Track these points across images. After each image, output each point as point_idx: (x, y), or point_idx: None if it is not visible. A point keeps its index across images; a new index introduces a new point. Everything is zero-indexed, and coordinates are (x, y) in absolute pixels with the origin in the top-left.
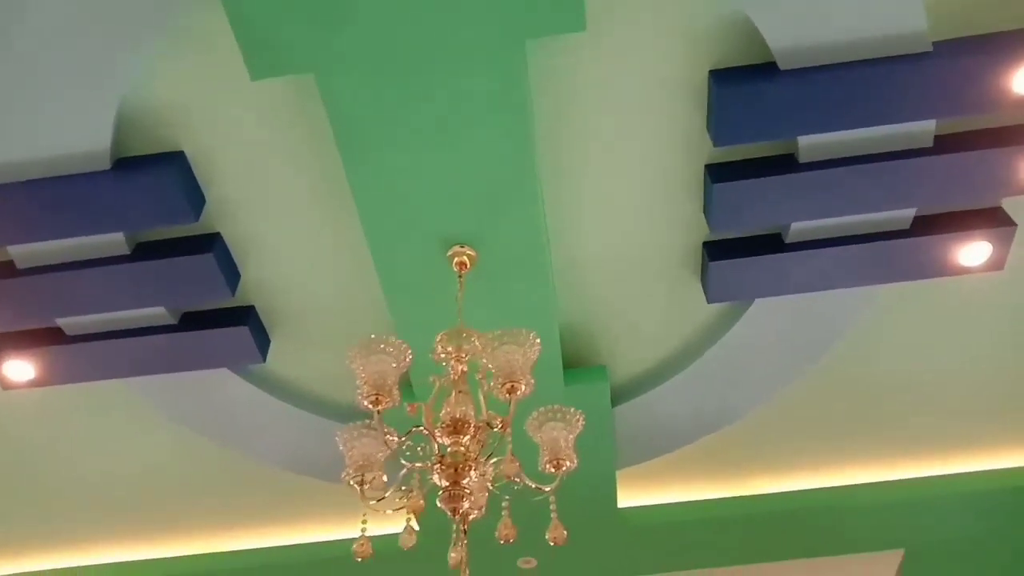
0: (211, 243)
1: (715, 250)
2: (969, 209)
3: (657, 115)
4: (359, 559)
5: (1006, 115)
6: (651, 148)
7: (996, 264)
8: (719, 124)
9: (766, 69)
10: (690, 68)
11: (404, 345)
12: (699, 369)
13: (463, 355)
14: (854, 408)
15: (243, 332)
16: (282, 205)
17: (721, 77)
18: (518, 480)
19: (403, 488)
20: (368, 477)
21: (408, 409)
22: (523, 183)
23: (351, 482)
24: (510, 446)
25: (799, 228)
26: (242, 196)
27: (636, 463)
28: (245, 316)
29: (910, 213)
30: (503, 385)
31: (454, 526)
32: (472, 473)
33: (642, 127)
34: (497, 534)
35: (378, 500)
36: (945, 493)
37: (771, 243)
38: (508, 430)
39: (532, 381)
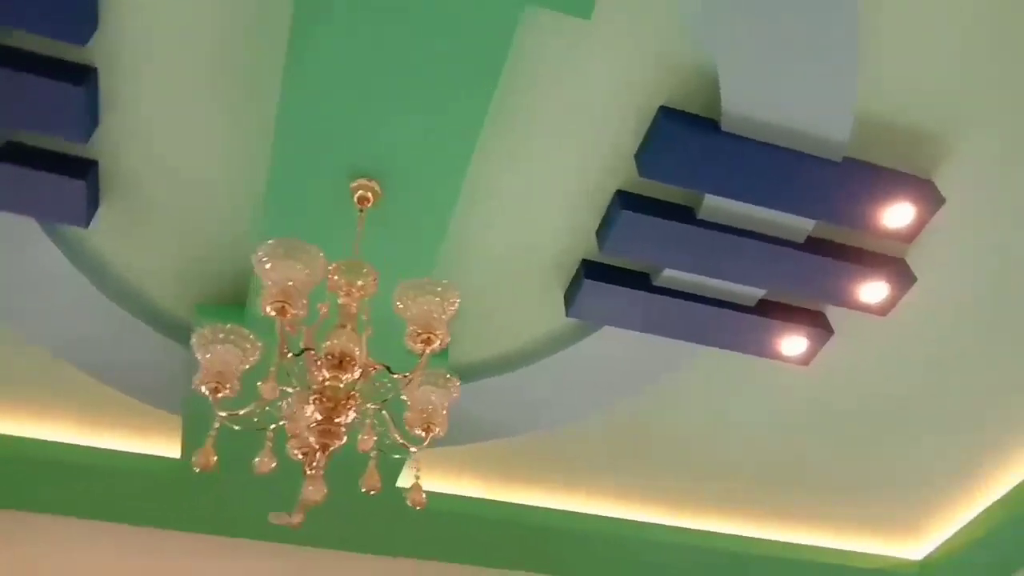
0: (84, 76)
1: (591, 269)
2: (804, 307)
3: (598, 127)
4: (199, 469)
5: (870, 241)
6: (579, 155)
7: (804, 359)
8: (651, 158)
9: (709, 124)
10: (647, 96)
11: (321, 256)
12: (527, 374)
13: (356, 291)
14: (637, 448)
15: (78, 187)
16: (181, 68)
17: (669, 115)
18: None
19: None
20: (224, 387)
21: (289, 328)
22: (461, 145)
23: (204, 389)
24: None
25: (669, 275)
26: (140, 39)
27: (431, 446)
28: (84, 170)
29: (759, 294)
30: (418, 336)
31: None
32: (349, 413)
33: (580, 132)
34: (362, 484)
35: (228, 415)
36: (677, 542)
37: (640, 280)
38: (416, 382)
39: (448, 335)
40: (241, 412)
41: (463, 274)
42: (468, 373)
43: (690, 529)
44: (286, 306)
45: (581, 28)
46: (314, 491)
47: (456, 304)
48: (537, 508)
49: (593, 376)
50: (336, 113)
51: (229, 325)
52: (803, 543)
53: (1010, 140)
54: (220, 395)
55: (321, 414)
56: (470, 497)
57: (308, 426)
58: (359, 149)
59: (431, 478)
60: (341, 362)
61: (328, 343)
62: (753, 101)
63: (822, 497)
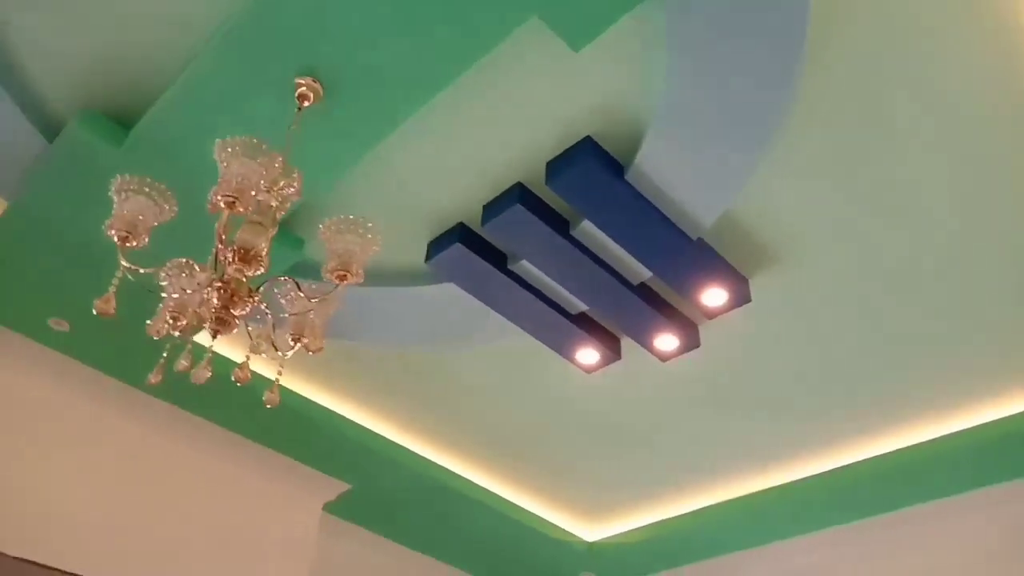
0: None
1: (465, 234)
2: (609, 330)
3: (532, 125)
4: (97, 312)
5: (685, 308)
6: (505, 137)
7: (590, 368)
8: (559, 172)
9: (616, 168)
10: (582, 121)
11: (279, 164)
12: (368, 291)
13: (279, 191)
14: (433, 391)
15: None
16: None
17: (590, 146)
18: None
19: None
20: (133, 239)
21: (210, 206)
22: (417, 80)
23: (113, 235)
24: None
25: (524, 266)
26: None
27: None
28: None
29: (583, 308)
30: (334, 271)
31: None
32: (246, 308)
33: (515, 120)
34: (234, 376)
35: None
36: (431, 475)
37: (498, 259)
38: (331, 306)
39: (362, 275)
40: (143, 270)
41: (361, 188)
42: (315, 271)
43: (448, 469)
44: (236, 202)
45: (561, 47)
46: (185, 365)
47: (377, 247)
48: (332, 411)
49: (423, 318)
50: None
51: (151, 180)
52: (510, 500)
53: (819, 274)
54: (128, 245)
55: (220, 302)
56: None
57: (199, 307)
58: (316, 48)
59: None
60: (248, 256)
61: (239, 235)
62: (660, 171)
63: (546, 473)
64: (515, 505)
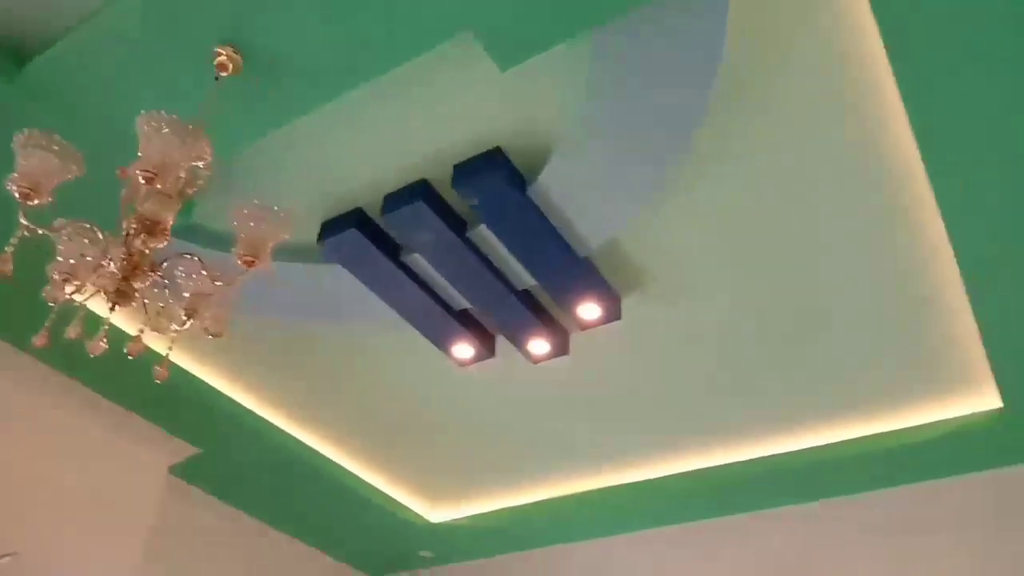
0: None
1: (361, 220)
2: (487, 330)
3: (447, 124)
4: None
5: (561, 317)
6: (418, 134)
7: (464, 363)
8: (464, 176)
9: (519, 181)
10: (495, 131)
11: (207, 146)
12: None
13: (187, 160)
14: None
15: None
16: None
17: (497, 157)
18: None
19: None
20: (36, 196)
21: (119, 171)
22: (358, 68)
23: (15, 190)
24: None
25: (415, 259)
26: None
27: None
28: None
29: (464, 305)
30: (243, 256)
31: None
32: (147, 281)
33: (436, 119)
34: (128, 348)
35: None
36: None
37: (391, 250)
38: (232, 287)
39: (271, 263)
40: (40, 231)
41: (262, 157)
42: (200, 235)
43: (302, 442)
44: (156, 179)
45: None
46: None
47: (289, 235)
48: (187, 371)
49: (304, 295)
50: None
51: (57, 136)
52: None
53: (684, 306)
54: (30, 202)
55: (122, 273)
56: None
57: (94, 274)
58: (241, 18)
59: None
60: (154, 228)
61: (147, 206)
62: (560, 191)
63: (401, 456)
64: (366, 483)
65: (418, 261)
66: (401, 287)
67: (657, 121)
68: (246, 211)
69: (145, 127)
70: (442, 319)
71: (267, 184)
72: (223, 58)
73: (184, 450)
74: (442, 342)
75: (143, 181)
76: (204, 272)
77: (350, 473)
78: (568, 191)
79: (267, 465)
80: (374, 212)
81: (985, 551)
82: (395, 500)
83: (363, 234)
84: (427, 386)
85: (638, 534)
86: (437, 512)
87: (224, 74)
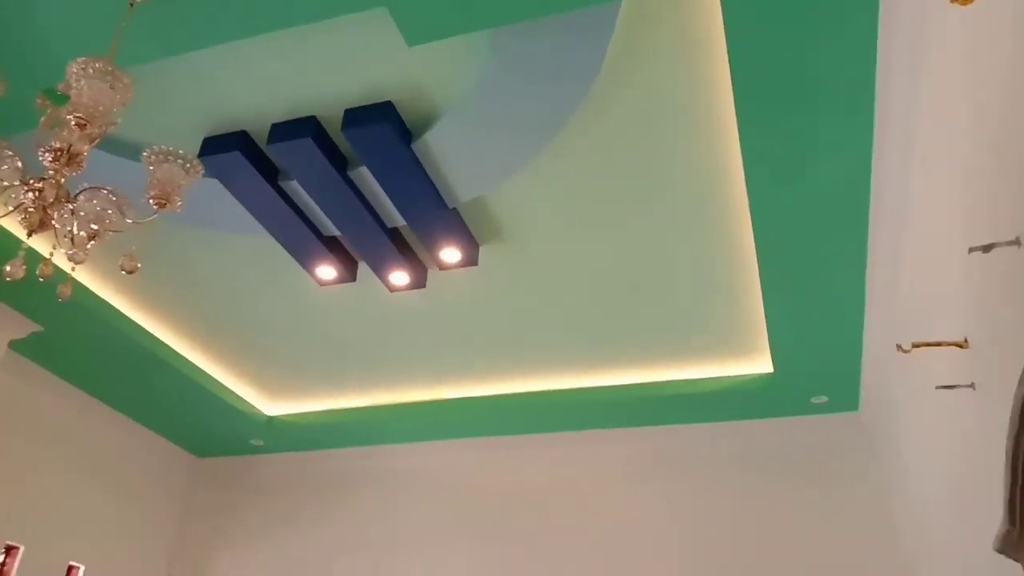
0: None
1: (247, 146)
2: (350, 256)
3: (352, 73)
4: None
5: (423, 257)
6: (322, 71)
7: (322, 283)
8: (357, 124)
9: (407, 134)
10: (397, 84)
11: (128, 82)
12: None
13: (117, 106)
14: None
15: None
16: None
17: (391, 110)
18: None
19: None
20: None
21: (39, 100)
22: (275, 16)
23: None
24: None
25: (293, 186)
26: None
27: None
28: None
29: (335, 233)
30: (155, 196)
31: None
32: (63, 209)
33: (336, 64)
34: (40, 272)
35: None
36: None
37: (270, 174)
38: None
39: (181, 203)
40: None
41: (154, 69)
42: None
43: (146, 330)
44: (88, 125)
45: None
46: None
47: (199, 177)
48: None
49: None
50: None
51: None
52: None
53: (535, 260)
54: None
55: (36, 203)
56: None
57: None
58: None
59: None
60: (72, 159)
61: (65, 135)
62: (441, 150)
63: (248, 355)
64: (206, 374)
65: (295, 187)
66: (274, 209)
67: (536, 109)
68: (158, 155)
69: (74, 73)
70: (310, 242)
71: (155, 95)
72: None
73: (26, 326)
74: (307, 262)
75: (75, 125)
76: (118, 208)
77: (191, 363)
78: (448, 152)
79: (109, 348)
80: (259, 138)
81: (747, 480)
82: (233, 392)
83: (245, 157)
84: (285, 298)
85: (457, 441)
86: (274, 406)
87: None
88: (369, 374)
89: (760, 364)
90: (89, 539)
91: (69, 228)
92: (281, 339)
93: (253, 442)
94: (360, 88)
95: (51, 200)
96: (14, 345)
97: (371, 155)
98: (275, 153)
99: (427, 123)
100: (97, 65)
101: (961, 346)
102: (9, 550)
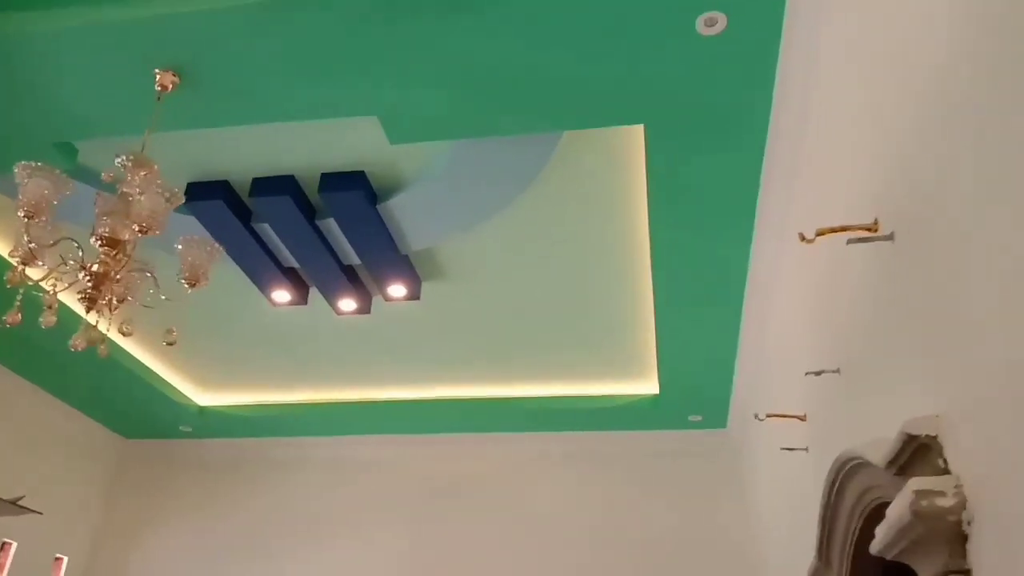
0: None
1: (226, 193)
2: (308, 286)
3: (335, 143)
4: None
5: (372, 289)
6: (303, 138)
7: (274, 303)
8: (331, 188)
9: (374, 196)
10: (370, 155)
11: (156, 169)
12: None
13: (138, 180)
14: None
15: None
16: None
17: (361, 178)
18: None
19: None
20: (39, 217)
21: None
22: (279, 109)
23: (21, 213)
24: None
25: (264, 228)
26: None
27: None
28: None
29: (293, 265)
30: (188, 277)
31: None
32: (112, 286)
33: (319, 135)
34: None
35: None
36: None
37: (243, 215)
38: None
39: (208, 282)
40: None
41: None
42: (87, 173)
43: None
44: (149, 231)
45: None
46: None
47: (216, 260)
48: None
49: None
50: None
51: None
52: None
53: (467, 299)
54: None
55: (91, 281)
56: None
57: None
58: (173, 40)
59: None
60: (113, 244)
61: (108, 224)
62: (403, 214)
63: (186, 349)
64: (141, 364)
65: (266, 229)
66: (243, 243)
67: (486, 193)
68: (189, 242)
69: (138, 183)
70: (270, 271)
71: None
72: (164, 80)
73: None
74: (264, 287)
75: (138, 232)
76: (156, 290)
77: (124, 351)
78: (408, 214)
79: (41, 332)
80: (240, 187)
81: (634, 479)
82: (167, 381)
83: (226, 205)
84: (233, 306)
85: (383, 436)
86: (207, 397)
87: (164, 93)
88: (305, 374)
89: (650, 387)
90: (14, 516)
91: (108, 298)
92: (223, 339)
93: (182, 428)
94: (337, 155)
95: (103, 283)
96: None
97: (340, 212)
98: (254, 205)
99: (393, 190)
100: (159, 182)
101: (801, 419)
102: None
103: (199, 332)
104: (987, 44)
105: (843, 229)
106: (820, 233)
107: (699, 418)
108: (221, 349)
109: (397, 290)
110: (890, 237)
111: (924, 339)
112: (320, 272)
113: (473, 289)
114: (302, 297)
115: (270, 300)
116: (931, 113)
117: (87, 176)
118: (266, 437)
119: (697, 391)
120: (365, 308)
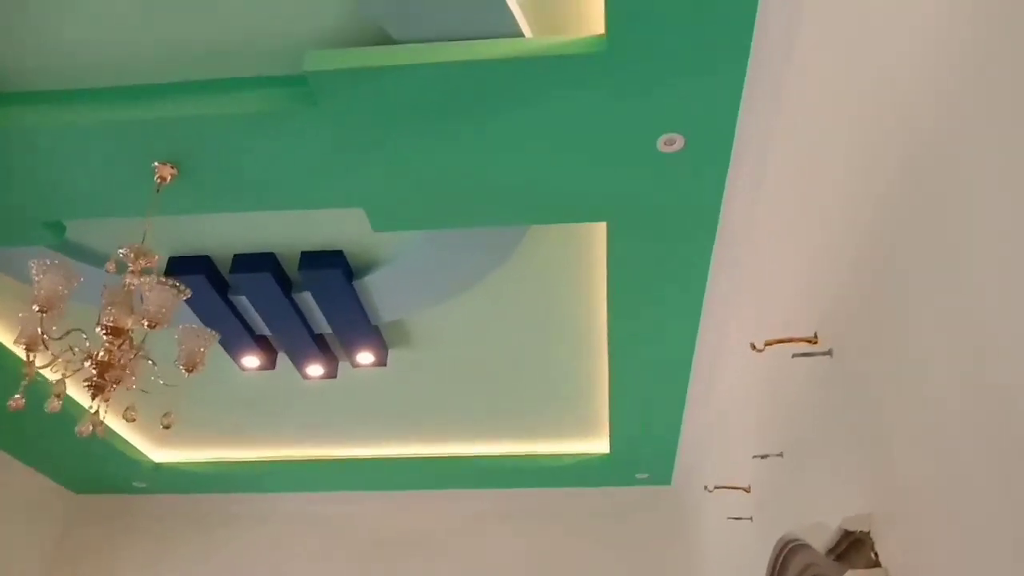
0: None
1: (208, 268)
2: (278, 352)
3: (314, 225)
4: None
5: (340, 355)
6: (283, 219)
7: (243, 368)
8: (311, 266)
9: (350, 272)
10: (348, 235)
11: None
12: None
13: (139, 269)
14: None
15: None
16: None
17: (339, 257)
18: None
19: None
20: (51, 311)
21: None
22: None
23: (35, 308)
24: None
25: (241, 300)
26: None
27: None
28: None
29: (265, 333)
30: (185, 362)
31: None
32: (117, 372)
33: (302, 218)
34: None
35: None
36: None
37: (220, 286)
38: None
39: (206, 366)
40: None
41: None
42: (75, 249)
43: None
44: (158, 325)
45: None
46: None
47: (212, 344)
48: None
49: None
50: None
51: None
52: None
53: (429, 365)
54: (46, 313)
55: (96, 370)
56: None
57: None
58: (167, 136)
59: None
60: (117, 332)
61: (106, 313)
62: (377, 289)
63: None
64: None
65: (243, 301)
66: (219, 315)
67: (458, 272)
68: (187, 330)
69: (146, 285)
70: (242, 338)
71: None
72: (162, 173)
73: None
74: (235, 354)
75: (148, 327)
76: (159, 381)
77: (78, 404)
78: (382, 291)
79: None
80: (220, 262)
81: (583, 532)
82: (122, 437)
83: (207, 279)
84: (208, 371)
85: (338, 494)
86: (163, 453)
87: (163, 185)
88: (266, 433)
89: (600, 446)
90: None
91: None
92: (187, 399)
93: (136, 484)
94: (317, 235)
95: (107, 370)
96: None
97: (317, 288)
98: (234, 280)
99: (370, 267)
100: (167, 282)
101: (746, 491)
102: None
103: (163, 392)
104: (911, 182)
105: (789, 340)
106: (768, 344)
107: (646, 475)
108: (184, 409)
109: (365, 357)
110: (828, 353)
111: (859, 445)
112: (291, 340)
113: (438, 356)
114: (271, 362)
115: (239, 365)
116: (871, 250)
117: (72, 251)
118: (224, 493)
119: (644, 451)
120: (332, 373)
